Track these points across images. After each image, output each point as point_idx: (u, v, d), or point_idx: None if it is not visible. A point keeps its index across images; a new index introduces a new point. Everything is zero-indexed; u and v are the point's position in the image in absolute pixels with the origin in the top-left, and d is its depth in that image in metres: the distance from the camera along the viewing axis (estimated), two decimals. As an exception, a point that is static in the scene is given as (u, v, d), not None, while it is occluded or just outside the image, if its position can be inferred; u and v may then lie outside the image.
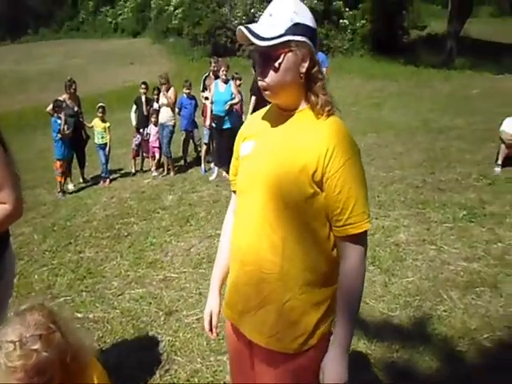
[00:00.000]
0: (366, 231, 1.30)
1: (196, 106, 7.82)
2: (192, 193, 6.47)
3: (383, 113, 11.23)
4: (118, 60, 28.75)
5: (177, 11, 33.39)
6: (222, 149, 6.71)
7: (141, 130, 7.91)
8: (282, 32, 1.25)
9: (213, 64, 7.63)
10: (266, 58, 1.28)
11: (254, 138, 1.44)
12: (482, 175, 6.14)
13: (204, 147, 7.62)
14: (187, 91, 7.64)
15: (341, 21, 22.09)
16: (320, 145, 1.26)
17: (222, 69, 6.99)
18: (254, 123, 1.51)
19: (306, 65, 1.29)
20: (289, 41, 1.25)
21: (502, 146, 6.27)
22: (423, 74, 16.17)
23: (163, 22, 35.69)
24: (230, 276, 1.49)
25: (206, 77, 7.80)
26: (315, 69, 1.32)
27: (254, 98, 6.89)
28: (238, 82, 7.64)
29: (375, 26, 20.78)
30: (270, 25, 1.27)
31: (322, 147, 1.26)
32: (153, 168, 7.78)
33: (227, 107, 6.81)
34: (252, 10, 27.71)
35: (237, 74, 8.14)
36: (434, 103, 11.67)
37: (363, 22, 21.78)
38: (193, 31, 29.49)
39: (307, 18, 1.30)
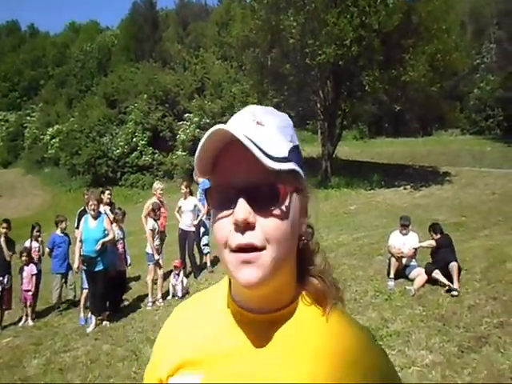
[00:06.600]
0: None
1: (69, 243, 6.98)
2: (64, 352, 5.34)
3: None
4: (-15, 192, 26.78)
5: (53, 140, 32.45)
6: (96, 295, 5.94)
7: (0, 279, 6.73)
8: (286, 154, 0.68)
9: (85, 196, 6.93)
10: (261, 195, 0.65)
11: (201, 367, 0.73)
12: (377, 291, 6.12)
13: (84, 293, 6.34)
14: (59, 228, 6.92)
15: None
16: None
17: (90, 202, 6.07)
18: (189, 337, 0.77)
19: (306, 221, 0.77)
20: (295, 171, 0.70)
21: (392, 259, 6.36)
22: (304, 193, 17.08)
23: (38, 151, 34.19)
24: None
25: (82, 211, 6.92)
26: (310, 232, 0.81)
27: None
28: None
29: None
30: (265, 137, 0.67)
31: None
32: (29, 319, 6.70)
33: (98, 247, 5.87)
34: (134, 140, 28.03)
35: (120, 209, 7.36)
36: (319, 221, 12.06)
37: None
38: (71, 161, 28.70)
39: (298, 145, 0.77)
